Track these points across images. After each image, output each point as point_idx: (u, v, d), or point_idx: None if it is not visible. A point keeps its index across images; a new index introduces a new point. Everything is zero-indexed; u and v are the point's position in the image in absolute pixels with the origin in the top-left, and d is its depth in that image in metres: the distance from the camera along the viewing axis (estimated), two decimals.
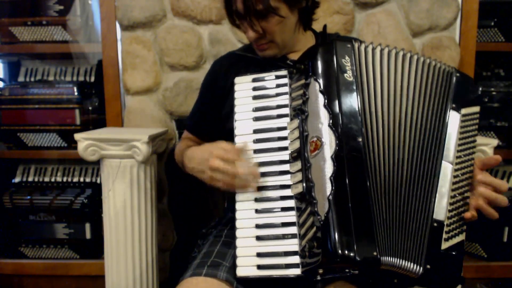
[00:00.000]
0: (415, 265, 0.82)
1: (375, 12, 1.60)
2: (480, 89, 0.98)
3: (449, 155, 0.89)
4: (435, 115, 0.91)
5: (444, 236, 0.86)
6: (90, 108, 1.79)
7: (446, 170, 0.88)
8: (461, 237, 0.88)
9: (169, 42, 1.60)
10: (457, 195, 0.88)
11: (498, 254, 1.73)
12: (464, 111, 0.93)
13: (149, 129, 1.52)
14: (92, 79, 1.88)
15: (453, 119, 0.92)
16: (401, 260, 0.81)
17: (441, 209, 0.86)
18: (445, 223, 0.86)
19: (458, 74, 0.96)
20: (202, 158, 0.92)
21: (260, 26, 0.98)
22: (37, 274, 1.76)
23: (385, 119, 0.87)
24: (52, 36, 1.78)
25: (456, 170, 0.89)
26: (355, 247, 0.75)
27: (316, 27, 1.15)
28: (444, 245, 0.86)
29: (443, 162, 0.89)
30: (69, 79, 1.89)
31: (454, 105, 0.93)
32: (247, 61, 1.13)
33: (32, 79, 1.91)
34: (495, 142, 1.41)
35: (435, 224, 0.85)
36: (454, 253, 0.86)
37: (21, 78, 1.92)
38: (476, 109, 0.95)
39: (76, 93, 1.73)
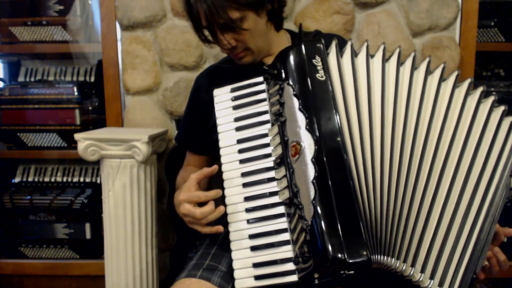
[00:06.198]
0: None
1: (375, 12, 1.59)
2: None
3: (498, 217, 0.90)
4: (501, 171, 0.89)
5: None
6: (90, 108, 1.79)
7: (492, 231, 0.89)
8: None
9: (169, 42, 1.60)
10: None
11: None
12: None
13: (149, 129, 1.52)
14: (92, 79, 1.87)
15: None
16: (417, 271, 0.81)
17: (480, 264, 0.88)
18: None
19: None
20: (177, 203, 0.94)
21: (231, 38, 0.98)
22: (37, 274, 1.76)
23: (371, 118, 0.86)
24: (52, 36, 1.78)
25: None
26: (344, 248, 0.74)
27: (314, 28, 1.15)
28: None
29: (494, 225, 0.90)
30: (69, 79, 1.89)
31: None
32: (227, 72, 1.13)
33: (32, 79, 1.90)
34: None
35: (474, 276, 0.86)
36: None
37: (21, 78, 1.91)
38: None
39: (76, 93, 1.73)
